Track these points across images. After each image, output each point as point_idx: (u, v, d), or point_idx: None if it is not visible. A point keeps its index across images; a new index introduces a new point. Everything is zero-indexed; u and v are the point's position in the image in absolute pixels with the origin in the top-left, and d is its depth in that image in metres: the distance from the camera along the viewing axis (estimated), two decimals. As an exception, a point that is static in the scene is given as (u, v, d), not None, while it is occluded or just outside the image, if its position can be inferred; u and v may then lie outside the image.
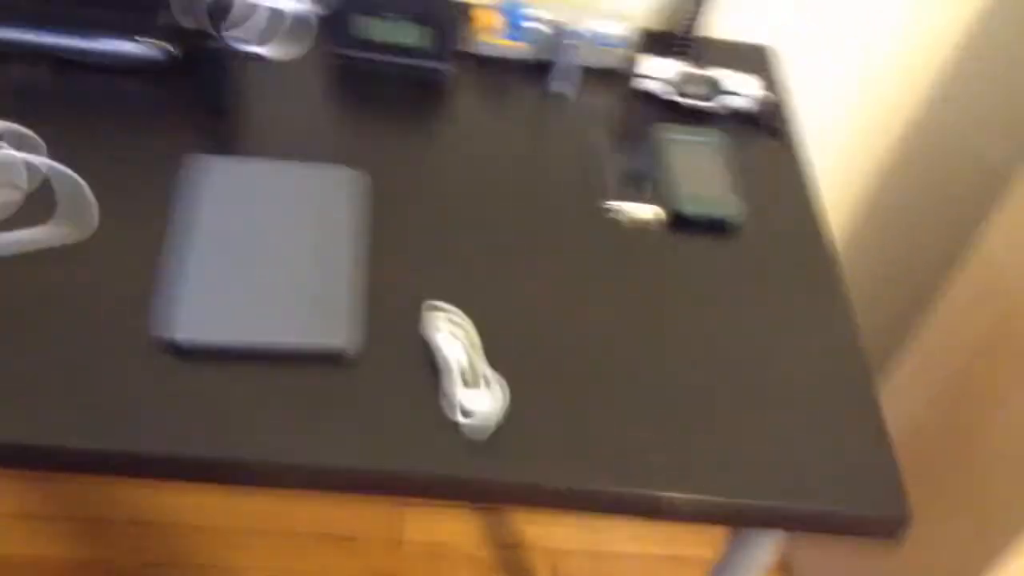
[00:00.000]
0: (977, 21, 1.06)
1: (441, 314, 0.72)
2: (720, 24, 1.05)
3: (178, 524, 1.38)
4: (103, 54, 0.85)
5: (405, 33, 0.92)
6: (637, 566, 1.45)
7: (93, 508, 1.37)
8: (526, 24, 0.95)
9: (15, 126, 0.79)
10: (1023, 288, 0.99)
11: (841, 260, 0.90)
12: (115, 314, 0.70)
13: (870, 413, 0.75)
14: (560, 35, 0.95)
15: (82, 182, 0.77)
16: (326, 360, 0.69)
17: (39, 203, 0.75)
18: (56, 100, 0.83)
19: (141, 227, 0.75)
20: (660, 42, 1.02)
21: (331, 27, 0.93)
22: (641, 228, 0.85)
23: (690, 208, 0.86)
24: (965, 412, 1.07)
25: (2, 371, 0.66)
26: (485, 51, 0.96)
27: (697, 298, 0.80)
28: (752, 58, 1.05)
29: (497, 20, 0.95)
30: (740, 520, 0.71)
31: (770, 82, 1.01)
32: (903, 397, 1.19)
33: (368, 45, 0.93)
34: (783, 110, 0.98)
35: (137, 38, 0.85)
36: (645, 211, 0.85)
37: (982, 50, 1.09)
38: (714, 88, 0.95)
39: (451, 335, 0.70)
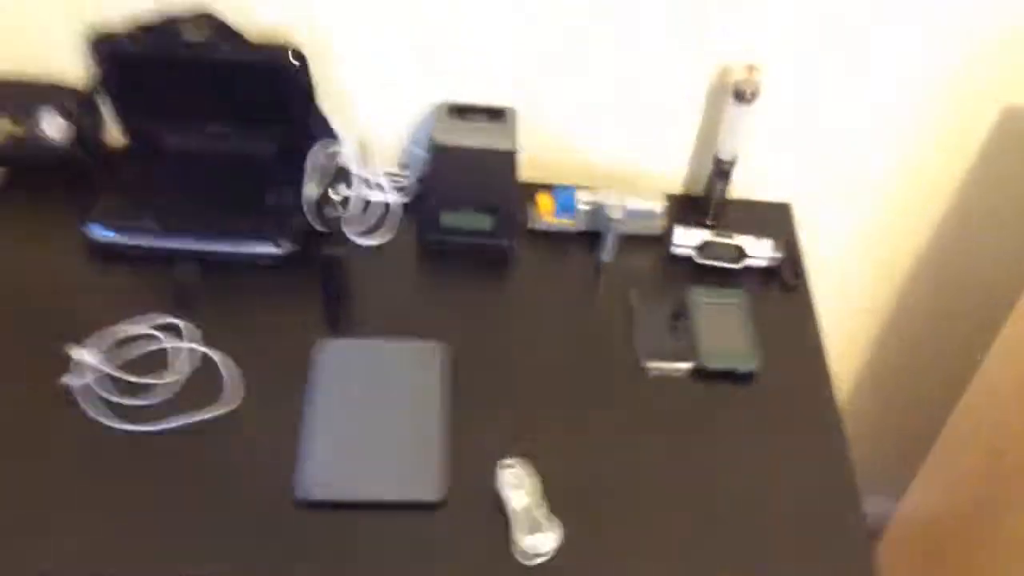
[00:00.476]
0: (979, 160, 1.21)
1: (509, 470, 0.91)
2: (744, 182, 1.23)
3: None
4: (245, 255, 1.07)
5: (478, 221, 1.13)
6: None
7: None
8: (575, 204, 1.15)
9: (175, 319, 1.02)
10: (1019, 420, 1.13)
11: (839, 402, 1.05)
12: (258, 475, 0.91)
13: (856, 525, 0.91)
14: (602, 211, 1.14)
15: (231, 363, 0.99)
16: (420, 508, 0.89)
17: (197, 384, 0.98)
18: (207, 294, 1.06)
19: (278, 401, 0.97)
20: (690, 208, 1.20)
21: (415, 217, 1.15)
22: (673, 380, 1.03)
23: (713, 363, 1.03)
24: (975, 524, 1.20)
25: (167, 522, 0.87)
26: (542, 227, 1.16)
27: (718, 439, 0.97)
28: (771, 215, 1.23)
29: (551, 203, 1.15)
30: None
31: (787, 238, 1.18)
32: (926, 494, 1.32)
33: (446, 231, 1.14)
34: (797, 266, 1.15)
35: (273, 240, 1.07)
36: (676, 366, 1.04)
37: (983, 188, 1.24)
38: (737, 253, 1.13)
39: (517, 487, 0.89)
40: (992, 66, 1.10)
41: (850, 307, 1.38)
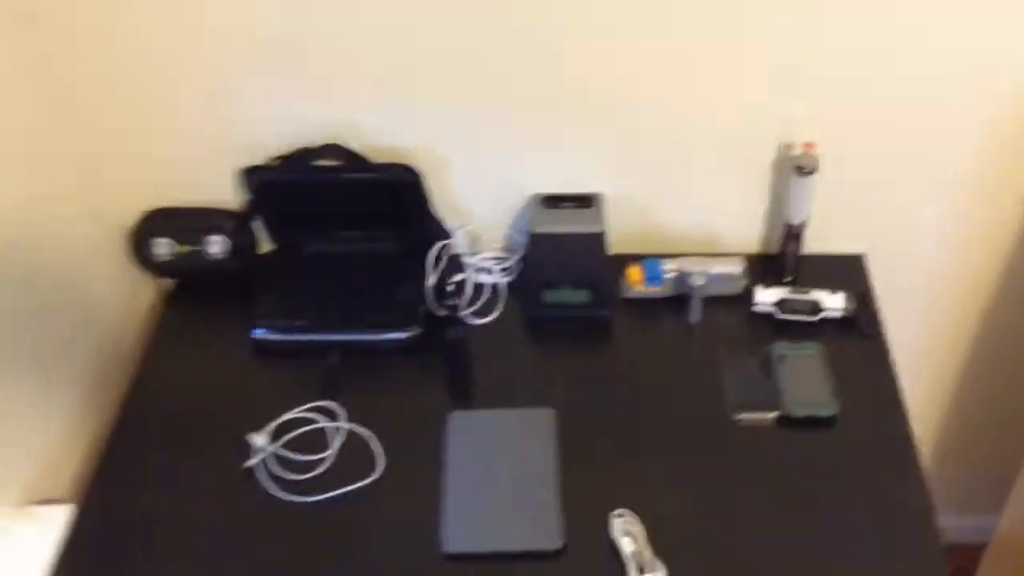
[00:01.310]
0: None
1: (619, 519, 1.05)
2: (821, 236, 1.34)
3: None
4: (380, 342, 1.26)
5: (576, 295, 1.29)
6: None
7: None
8: (661, 273, 1.29)
9: (332, 401, 1.21)
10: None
11: (919, 443, 1.15)
12: (404, 534, 1.08)
13: (934, 552, 1.01)
14: (687, 278, 1.28)
15: (375, 437, 1.17)
16: (543, 556, 1.04)
17: (348, 458, 1.16)
18: (350, 379, 1.24)
19: (416, 468, 1.14)
20: (768, 267, 1.32)
21: (521, 296, 1.31)
22: (761, 428, 1.15)
23: (796, 411, 1.15)
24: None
25: (326, 571, 1.05)
26: (634, 296, 1.31)
27: (804, 482, 1.09)
28: (846, 267, 1.33)
29: (641, 273, 1.29)
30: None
31: (862, 288, 1.29)
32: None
33: (549, 306, 1.29)
34: (872, 315, 1.26)
35: (402, 327, 1.25)
36: (763, 416, 1.16)
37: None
38: (812, 307, 1.24)
39: (626, 534, 1.03)
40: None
41: (928, 346, 1.47)
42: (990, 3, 1.09)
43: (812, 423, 1.15)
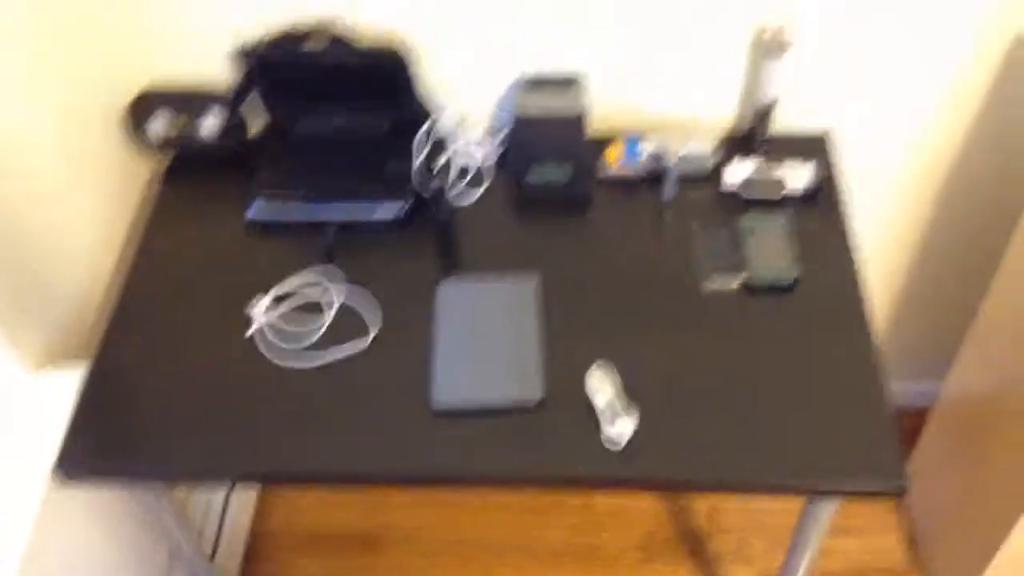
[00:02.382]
0: (996, 80, 1.37)
1: (596, 373, 1.15)
2: (790, 112, 1.41)
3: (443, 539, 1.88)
4: (371, 216, 1.32)
5: (557, 172, 1.35)
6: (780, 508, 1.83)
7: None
8: (639, 150, 1.36)
9: (327, 268, 1.28)
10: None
11: (872, 309, 1.24)
12: (394, 390, 1.17)
13: (882, 408, 1.12)
14: (663, 156, 1.34)
15: (371, 300, 1.25)
16: (526, 410, 1.14)
17: (345, 320, 1.24)
18: (341, 251, 1.31)
19: (409, 330, 1.22)
20: (739, 143, 1.39)
21: (506, 173, 1.38)
22: (727, 294, 1.24)
23: (759, 279, 1.24)
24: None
25: (324, 429, 1.14)
26: (612, 174, 1.38)
27: (764, 340, 1.19)
28: (813, 144, 1.41)
29: (621, 149, 1.36)
30: (799, 491, 1.10)
31: (827, 164, 1.37)
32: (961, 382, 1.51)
33: (532, 183, 1.36)
34: (836, 189, 1.34)
35: (393, 203, 1.32)
36: (729, 282, 1.25)
37: (1002, 104, 1.39)
38: (780, 184, 1.32)
39: (601, 387, 1.13)
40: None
41: (887, 217, 1.56)
42: None
43: (774, 290, 1.24)
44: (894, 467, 1.08)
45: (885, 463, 1.08)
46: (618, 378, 1.15)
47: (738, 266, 1.26)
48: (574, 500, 1.88)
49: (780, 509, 1.84)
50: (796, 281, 1.24)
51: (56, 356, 1.26)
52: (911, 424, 1.78)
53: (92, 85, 1.34)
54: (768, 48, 1.26)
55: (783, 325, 1.21)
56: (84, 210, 1.33)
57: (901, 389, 1.88)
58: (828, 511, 1.21)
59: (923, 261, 1.63)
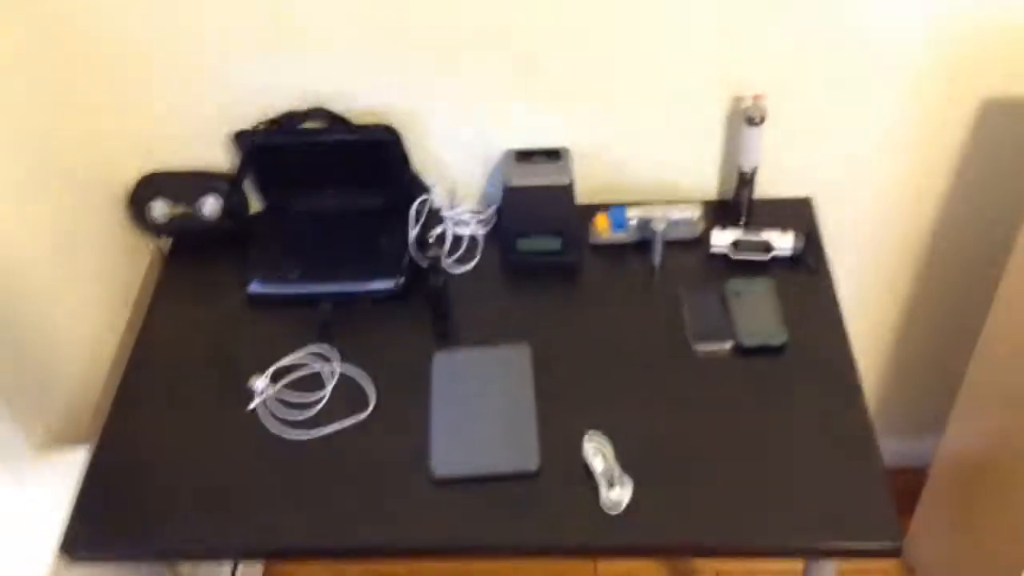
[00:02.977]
0: (965, 145, 1.41)
1: (591, 441, 1.17)
2: (772, 177, 1.45)
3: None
4: (368, 291, 1.36)
5: (547, 243, 1.39)
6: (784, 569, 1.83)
7: None
8: (626, 219, 1.39)
9: (324, 344, 1.31)
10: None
11: (861, 370, 1.26)
12: (393, 460, 1.19)
13: (875, 467, 1.13)
14: (649, 222, 1.38)
15: (366, 376, 1.27)
16: (523, 477, 1.16)
17: (342, 396, 1.26)
18: (341, 326, 1.34)
19: (405, 403, 1.24)
20: (725, 211, 1.43)
21: (497, 245, 1.42)
22: (718, 357, 1.27)
23: (749, 340, 1.27)
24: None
25: (325, 502, 1.16)
26: (601, 241, 1.41)
27: (756, 402, 1.21)
28: (796, 208, 1.44)
29: (607, 220, 1.40)
30: (797, 552, 1.11)
31: (810, 227, 1.40)
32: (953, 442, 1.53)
33: (523, 254, 1.40)
34: (818, 253, 1.37)
35: (388, 277, 1.35)
36: (720, 345, 1.27)
37: (972, 171, 1.43)
38: (766, 247, 1.35)
39: (597, 454, 1.15)
40: (971, 65, 1.30)
41: (871, 278, 1.59)
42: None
43: (764, 351, 1.26)
44: (888, 526, 1.09)
45: (880, 522, 1.09)
46: (613, 444, 1.17)
47: (728, 329, 1.28)
48: (579, 566, 1.88)
49: (783, 570, 1.84)
50: (785, 343, 1.27)
51: (62, 437, 1.29)
52: (915, 481, 1.78)
53: (93, 171, 1.38)
54: (746, 118, 1.30)
55: (774, 387, 1.23)
56: (87, 294, 1.36)
57: (901, 447, 1.89)
58: (828, 571, 1.22)
59: (910, 320, 1.66)
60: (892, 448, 1.89)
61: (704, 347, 1.28)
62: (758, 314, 1.30)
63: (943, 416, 1.70)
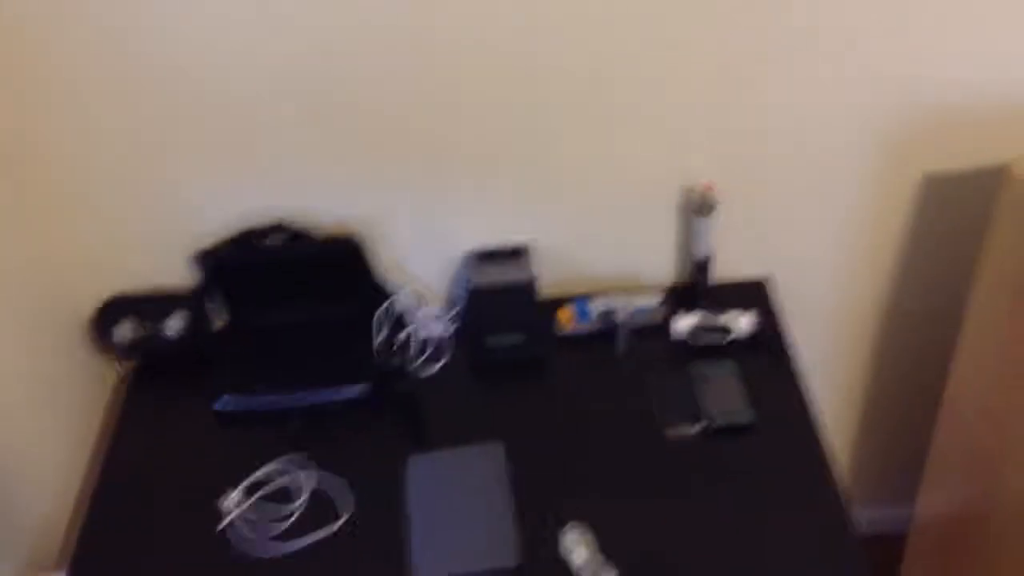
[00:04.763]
0: (911, 217, 1.47)
1: (570, 533, 1.16)
2: (727, 261, 1.49)
3: None
4: (336, 399, 1.36)
5: (514, 338, 1.41)
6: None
7: None
8: (589, 310, 1.42)
9: (296, 455, 1.30)
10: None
11: (829, 443, 1.28)
12: (371, 568, 1.17)
13: (851, 542, 1.14)
14: (612, 313, 1.41)
15: (342, 484, 1.26)
16: (502, 573, 1.14)
17: (318, 505, 1.25)
18: (312, 435, 1.34)
19: (382, 508, 1.23)
20: (683, 294, 1.47)
21: (463, 344, 1.43)
22: (688, 439, 1.28)
23: (717, 421, 1.28)
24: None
25: None
26: (566, 333, 1.43)
27: (728, 482, 1.22)
28: (753, 290, 1.48)
29: (572, 312, 1.43)
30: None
31: (768, 308, 1.44)
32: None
33: (490, 350, 1.41)
34: (777, 332, 1.41)
35: (356, 383, 1.36)
36: (688, 429, 1.29)
37: (920, 237, 1.49)
38: (725, 331, 1.38)
39: (577, 546, 1.14)
40: (913, 142, 1.36)
41: (831, 353, 1.63)
42: (855, 58, 1.26)
43: (732, 432, 1.28)
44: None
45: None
46: (592, 535, 1.17)
47: (695, 412, 1.30)
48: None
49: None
50: (753, 422, 1.29)
51: (33, 567, 1.25)
52: (894, 549, 1.78)
53: (51, 298, 1.38)
54: (697, 207, 1.35)
55: (745, 466, 1.24)
56: (50, 422, 1.34)
57: (878, 515, 1.90)
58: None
59: (876, 388, 1.69)
60: (869, 516, 1.90)
61: (674, 431, 1.29)
62: (724, 395, 1.32)
63: (917, 481, 1.72)
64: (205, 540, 1.22)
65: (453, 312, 1.49)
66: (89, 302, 1.43)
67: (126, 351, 1.42)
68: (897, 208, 1.44)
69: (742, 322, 1.39)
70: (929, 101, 1.31)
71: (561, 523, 1.19)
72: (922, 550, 1.64)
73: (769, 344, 1.39)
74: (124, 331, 1.40)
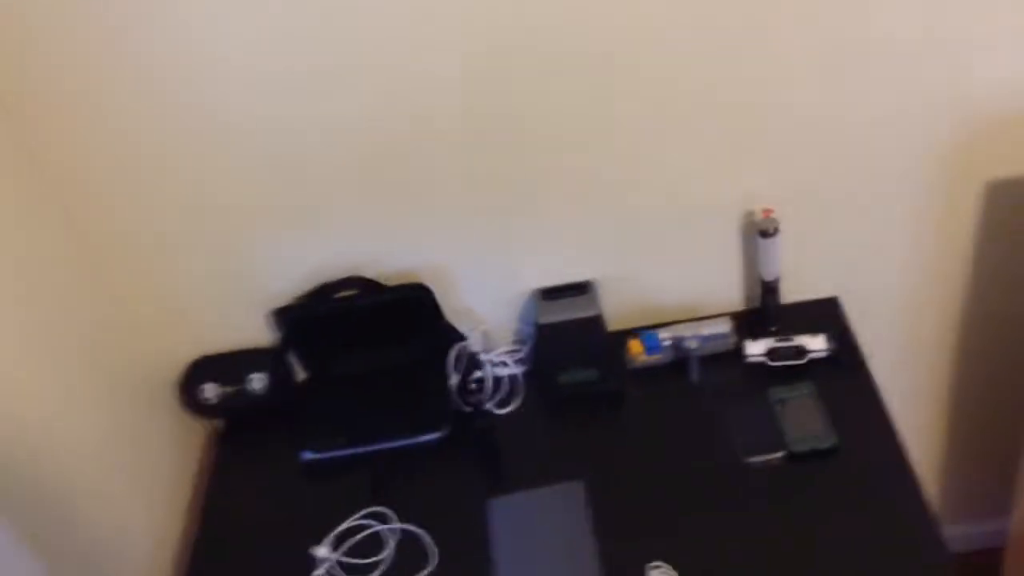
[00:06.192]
0: (982, 216, 1.44)
1: (653, 571, 1.16)
2: (797, 281, 1.48)
3: None
4: (416, 444, 1.38)
5: (586, 374, 1.42)
6: None
7: None
8: (660, 342, 1.42)
9: (376, 508, 1.33)
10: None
11: (914, 460, 1.26)
12: (468, 614, 1.19)
13: (945, 559, 1.11)
14: (682, 342, 1.41)
15: (424, 533, 1.29)
16: (594, 615, 1.15)
17: (404, 555, 1.27)
18: (395, 482, 1.37)
19: (467, 554, 1.25)
20: (753, 319, 1.46)
21: (535, 382, 1.45)
22: (770, 468, 1.27)
23: (800, 447, 1.27)
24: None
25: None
26: (637, 365, 1.44)
27: (816, 509, 1.20)
28: (825, 308, 1.47)
29: (641, 345, 1.43)
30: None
31: (841, 327, 1.42)
32: None
33: (563, 388, 1.42)
34: (853, 350, 1.39)
35: (434, 428, 1.38)
36: (770, 456, 1.28)
37: (986, 248, 1.46)
38: (799, 352, 1.37)
39: (664, 583, 1.14)
40: (972, 150, 1.34)
41: (911, 368, 1.59)
42: (911, 68, 1.25)
43: (815, 456, 1.27)
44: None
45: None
46: (677, 574, 1.17)
47: (776, 438, 1.29)
48: None
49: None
50: (836, 445, 1.27)
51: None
52: (991, 564, 1.73)
53: (139, 364, 1.44)
54: (759, 231, 1.34)
55: (830, 492, 1.23)
56: (146, 483, 1.39)
57: (972, 531, 1.84)
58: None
59: (955, 402, 1.65)
60: (962, 532, 1.85)
61: (755, 459, 1.28)
62: (804, 419, 1.31)
63: (1010, 492, 1.67)
64: (300, 591, 1.26)
65: (523, 352, 1.50)
66: (176, 364, 1.49)
67: (214, 410, 1.47)
68: (962, 217, 1.41)
69: (817, 342, 1.37)
70: (986, 108, 1.29)
71: (645, 559, 1.19)
72: (1019, 561, 1.59)
73: (846, 363, 1.37)
74: (211, 391, 1.45)
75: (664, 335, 1.42)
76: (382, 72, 1.21)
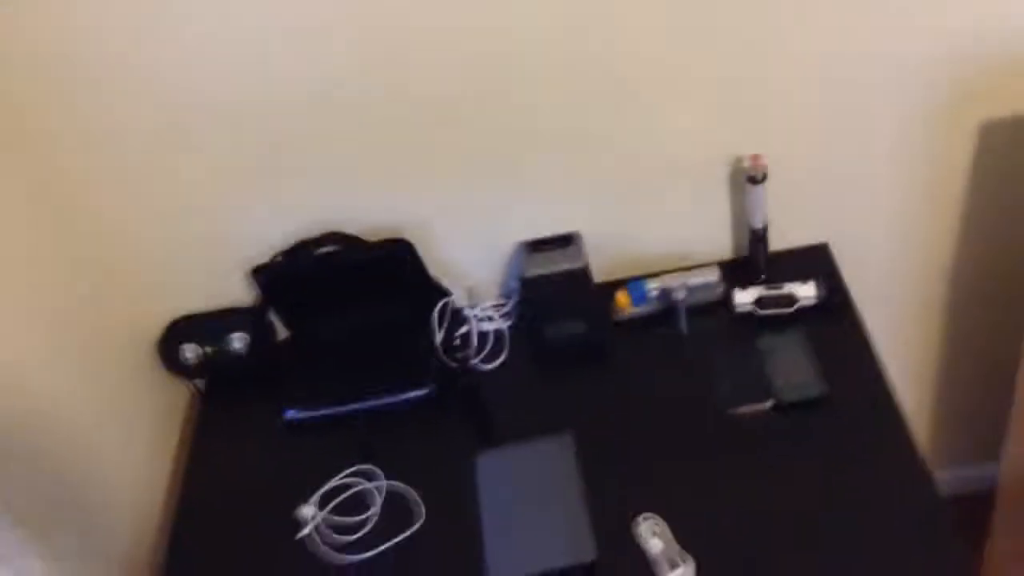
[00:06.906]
0: (971, 168, 1.41)
1: (644, 523, 1.15)
2: (785, 229, 1.45)
3: None
4: (402, 401, 1.37)
5: (573, 327, 1.39)
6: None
7: None
8: (647, 292, 1.40)
9: (364, 466, 1.31)
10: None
11: (904, 408, 1.25)
12: (450, 568, 1.18)
13: (938, 508, 1.11)
14: (670, 292, 1.39)
15: (411, 489, 1.27)
16: (581, 569, 1.14)
17: (391, 512, 1.26)
18: (378, 441, 1.35)
19: (455, 509, 1.24)
20: (741, 268, 1.43)
21: (522, 336, 1.43)
22: (759, 417, 1.25)
23: (788, 396, 1.26)
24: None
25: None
26: (624, 317, 1.42)
27: (804, 459, 1.19)
28: (814, 255, 1.44)
29: (627, 296, 1.41)
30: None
31: (831, 273, 1.40)
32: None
33: (550, 341, 1.40)
34: (843, 297, 1.37)
35: (419, 385, 1.36)
36: (758, 406, 1.26)
37: (982, 189, 1.43)
38: (789, 300, 1.35)
39: (652, 536, 1.13)
40: (966, 90, 1.31)
41: (900, 312, 1.58)
42: (898, 2, 1.21)
43: (804, 406, 1.25)
44: (960, 569, 1.06)
45: (949, 567, 1.07)
46: (666, 524, 1.16)
47: (764, 388, 1.27)
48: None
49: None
50: (825, 394, 1.25)
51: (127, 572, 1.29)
52: (980, 507, 1.74)
53: (120, 325, 1.41)
54: (747, 177, 1.31)
55: (819, 441, 1.21)
56: (130, 442, 1.38)
57: (961, 475, 1.84)
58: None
59: (946, 348, 1.64)
60: (951, 476, 1.85)
61: (743, 409, 1.27)
62: (793, 368, 1.29)
63: (999, 438, 1.67)
64: (287, 549, 1.24)
65: (509, 305, 1.48)
66: (155, 325, 1.46)
67: (194, 370, 1.44)
68: (954, 159, 1.38)
69: (806, 289, 1.35)
70: (980, 49, 1.26)
71: (635, 511, 1.18)
72: (1008, 506, 1.59)
73: (836, 310, 1.35)
74: (191, 351, 1.43)
75: (651, 285, 1.40)
76: (359, 29, 1.17)
